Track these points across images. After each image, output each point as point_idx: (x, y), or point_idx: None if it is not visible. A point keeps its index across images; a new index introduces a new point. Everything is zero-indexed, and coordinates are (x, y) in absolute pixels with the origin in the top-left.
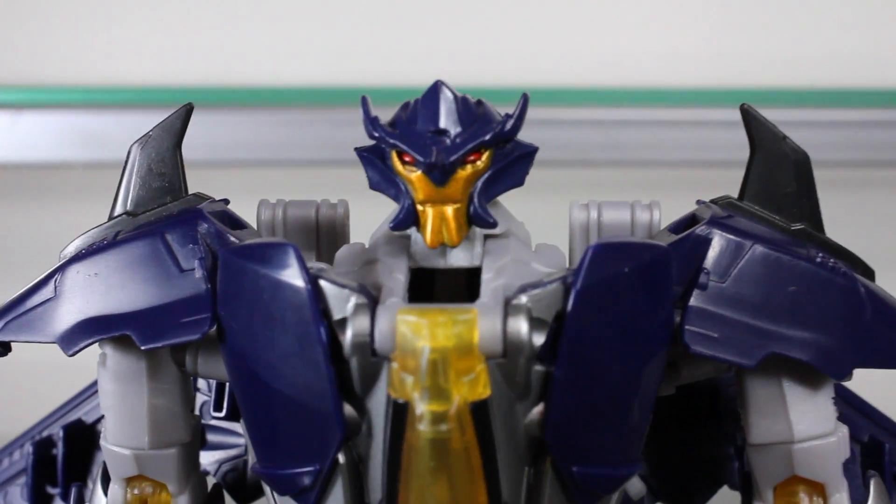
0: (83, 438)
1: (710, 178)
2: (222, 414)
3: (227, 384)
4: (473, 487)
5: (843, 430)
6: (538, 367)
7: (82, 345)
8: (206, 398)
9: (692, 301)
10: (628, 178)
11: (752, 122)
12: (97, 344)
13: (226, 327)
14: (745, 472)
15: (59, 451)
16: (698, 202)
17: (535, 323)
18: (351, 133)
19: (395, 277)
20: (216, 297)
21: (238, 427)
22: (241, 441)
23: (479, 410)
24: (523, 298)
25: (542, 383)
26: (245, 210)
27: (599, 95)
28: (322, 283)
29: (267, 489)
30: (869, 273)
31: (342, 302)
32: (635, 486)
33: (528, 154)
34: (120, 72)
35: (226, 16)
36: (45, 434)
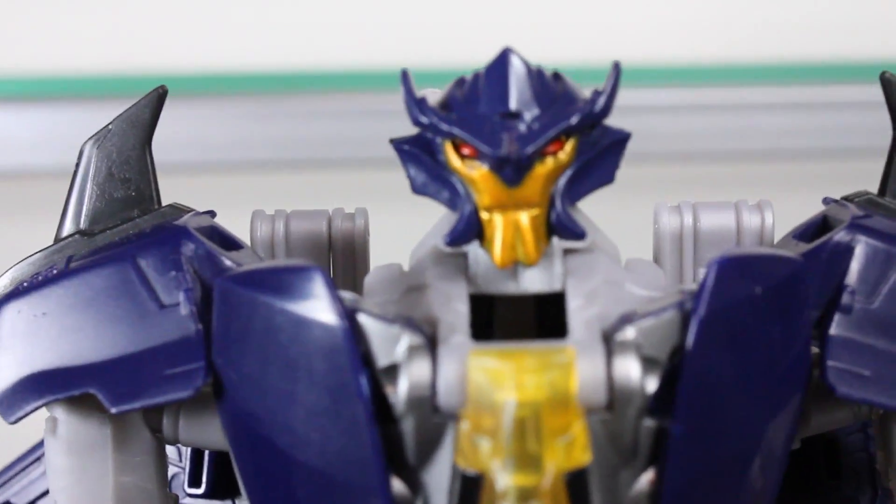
0: None
1: (752, 174)
2: (200, 490)
3: (206, 453)
4: None
5: None
6: (648, 422)
7: (28, 408)
8: (177, 469)
9: (833, 329)
10: (646, 175)
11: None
12: (45, 406)
13: (225, 379)
14: None
15: None
16: (826, 200)
17: (646, 364)
18: (352, 125)
19: (455, 308)
20: (210, 339)
21: None
22: None
23: (577, 482)
24: (630, 332)
25: (653, 442)
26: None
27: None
28: (361, 318)
29: None
30: None
31: (390, 343)
32: None
33: (619, 142)
34: (19, 57)
35: None
36: None
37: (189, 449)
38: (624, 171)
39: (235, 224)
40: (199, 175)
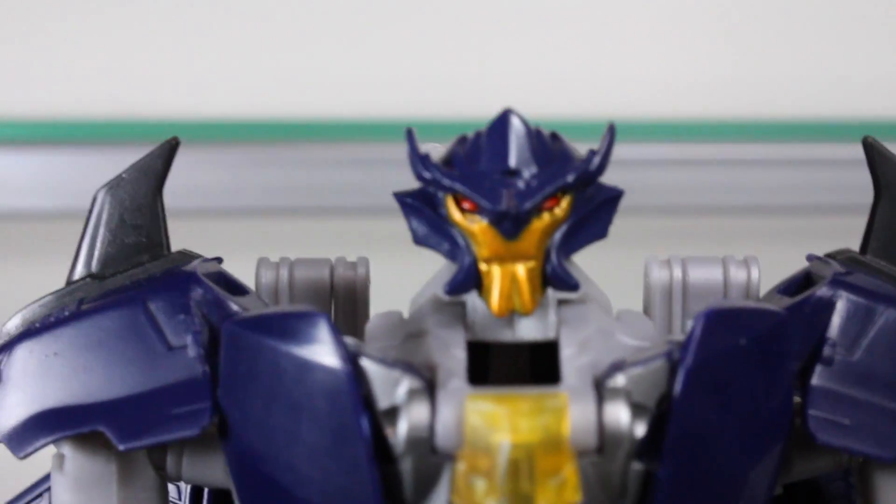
0: None
1: (740, 227)
2: None
3: (205, 491)
4: None
5: None
6: (637, 465)
7: (38, 444)
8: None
9: (815, 380)
10: (638, 227)
11: (878, 159)
12: (53, 443)
13: (231, 420)
14: None
15: None
16: (810, 257)
17: (635, 410)
18: (355, 174)
19: (453, 354)
20: (216, 381)
21: None
22: None
23: None
24: (620, 379)
25: (641, 485)
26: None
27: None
28: (363, 362)
29: None
30: None
31: (390, 386)
32: None
33: (612, 199)
34: (19, 101)
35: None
36: None
37: (188, 487)
38: (615, 224)
39: (240, 269)
40: (204, 220)
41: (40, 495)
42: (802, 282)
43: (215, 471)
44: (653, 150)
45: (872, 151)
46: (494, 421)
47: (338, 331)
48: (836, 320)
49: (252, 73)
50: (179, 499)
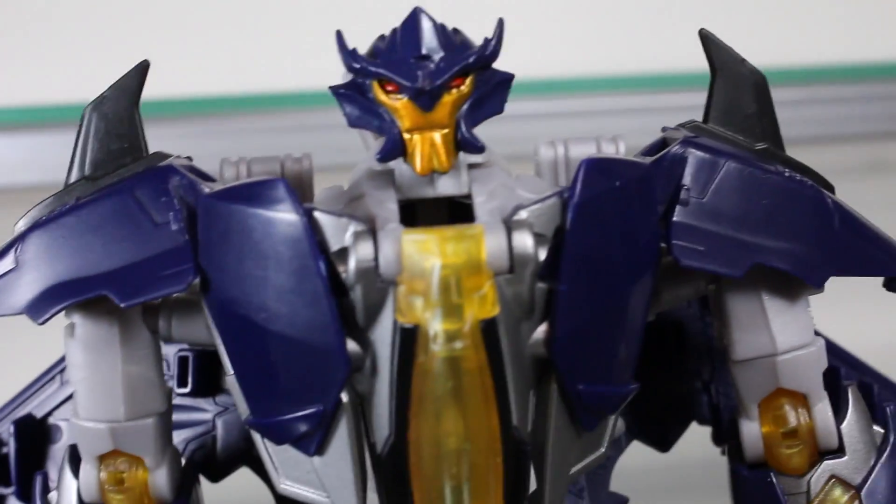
0: (34, 434)
1: None
2: (187, 389)
3: (190, 359)
4: (486, 412)
5: (821, 342)
6: (541, 285)
7: (53, 310)
8: (166, 377)
9: (676, 217)
10: None
11: (712, 47)
12: (64, 314)
13: (210, 277)
14: (713, 406)
15: (10, 447)
16: (664, 128)
17: (537, 238)
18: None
19: (387, 207)
20: (196, 247)
21: (204, 403)
22: (208, 417)
23: (489, 329)
24: (523, 214)
25: (545, 301)
26: None
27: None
28: (317, 214)
29: (262, 446)
30: (829, 188)
31: (340, 232)
32: (617, 423)
33: (506, 80)
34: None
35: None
36: None
37: (175, 359)
38: None
39: None
40: None
41: (53, 378)
42: (659, 145)
43: (199, 328)
44: (570, 103)
45: (707, 41)
46: (426, 248)
47: (294, 191)
48: (689, 171)
49: (234, 51)
50: (168, 370)
